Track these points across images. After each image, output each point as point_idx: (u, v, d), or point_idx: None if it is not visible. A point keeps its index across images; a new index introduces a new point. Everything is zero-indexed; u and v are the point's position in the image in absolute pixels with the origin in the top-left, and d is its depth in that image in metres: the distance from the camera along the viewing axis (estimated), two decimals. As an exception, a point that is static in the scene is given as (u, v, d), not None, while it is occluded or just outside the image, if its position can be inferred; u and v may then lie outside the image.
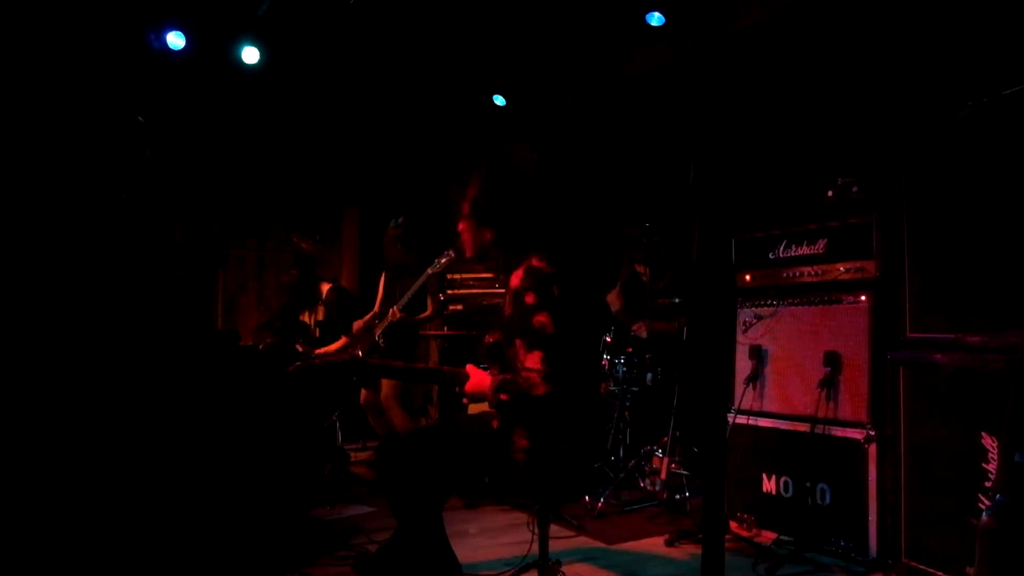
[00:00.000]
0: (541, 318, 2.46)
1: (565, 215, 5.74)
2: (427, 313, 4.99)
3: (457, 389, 2.59)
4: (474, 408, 2.72)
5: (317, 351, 5.04)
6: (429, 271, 4.71)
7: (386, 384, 4.93)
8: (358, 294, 6.75)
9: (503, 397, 2.48)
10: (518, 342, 2.50)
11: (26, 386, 2.87)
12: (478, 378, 2.56)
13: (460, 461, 2.59)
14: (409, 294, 4.77)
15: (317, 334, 5.71)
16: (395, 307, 4.81)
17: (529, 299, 2.48)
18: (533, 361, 2.44)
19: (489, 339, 2.61)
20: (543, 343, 2.45)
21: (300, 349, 4.93)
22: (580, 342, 2.72)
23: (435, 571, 2.47)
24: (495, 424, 2.54)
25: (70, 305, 3.12)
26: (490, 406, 2.56)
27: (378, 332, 4.88)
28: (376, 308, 5.06)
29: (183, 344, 3.42)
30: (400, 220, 5.05)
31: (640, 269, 4.83)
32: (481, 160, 2.81)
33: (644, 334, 4.64)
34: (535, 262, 2.57)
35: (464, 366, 2.60)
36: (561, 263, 2.61)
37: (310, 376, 2.61)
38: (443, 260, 4.65)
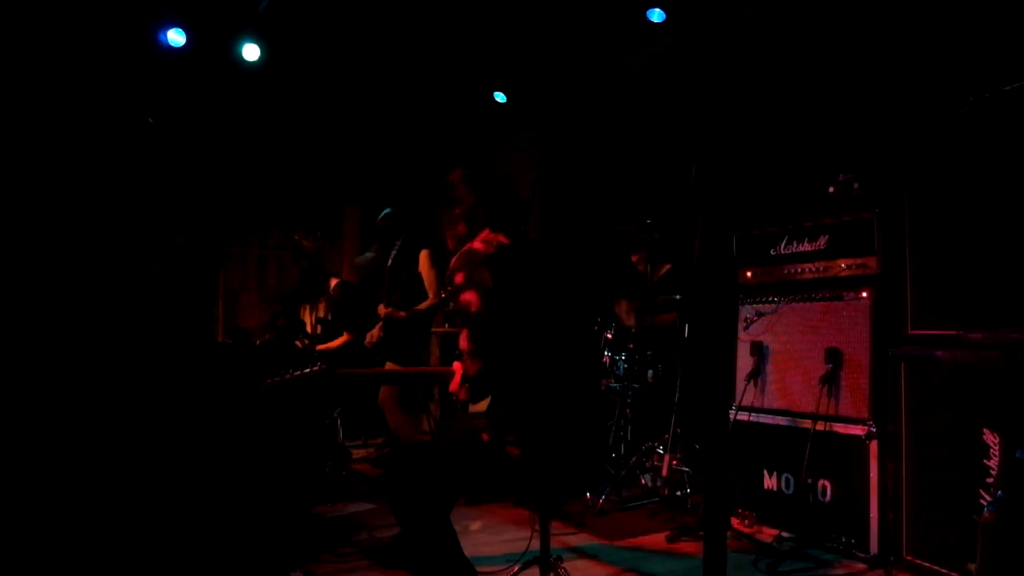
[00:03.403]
0: (467, 296, 2.47)
1: (564, 207, 5.74)
2: (428, 302, 4.80)
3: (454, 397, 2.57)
4: (476, 406, 2.70)
5: (318, 347, 5.03)
6: (388, 264, 4.77)
7: (382, 386, 4.85)
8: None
9: (466, 386, 2.50)
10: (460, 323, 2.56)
11: (28, 383, 2.87)
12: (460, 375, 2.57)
13: (458, 477, 2.56)
14: (386, 290, 4.78)
15: (319, 331, 5.68)
16: (380, 305, 4.80)
17: (457, 279, 2.51)
18: (463, 340, 2.49)
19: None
20: (468, 321, 2.48)
21: (300, 346, 4.92)
22: (563, 333, 2.68)
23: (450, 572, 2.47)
24: (485, 437, 2.49)
25: (72, 302, 3.13)
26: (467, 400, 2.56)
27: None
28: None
29: (182, 342, 3.42)
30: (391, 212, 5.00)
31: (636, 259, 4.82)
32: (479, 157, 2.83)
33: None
34: (477, 244, 2.57)
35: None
36: (521, 244, 2.63)
37: (283, 392, 2.58)
38: (393, 251, 4.76)
